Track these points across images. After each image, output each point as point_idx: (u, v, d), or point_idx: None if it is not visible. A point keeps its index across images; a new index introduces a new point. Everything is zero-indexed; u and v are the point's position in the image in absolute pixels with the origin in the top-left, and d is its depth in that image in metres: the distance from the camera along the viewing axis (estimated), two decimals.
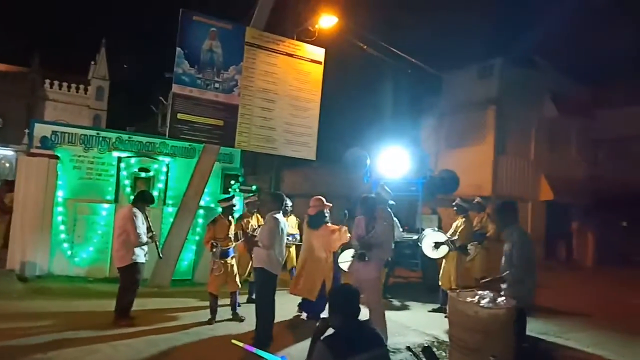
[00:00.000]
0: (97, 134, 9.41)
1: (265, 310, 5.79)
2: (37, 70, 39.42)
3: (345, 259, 6.80)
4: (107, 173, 9.26)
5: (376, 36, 14.14)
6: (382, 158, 10.17)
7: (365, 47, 13.73)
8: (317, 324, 3.25)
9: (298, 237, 8.51)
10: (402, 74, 16.76)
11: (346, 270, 6.94)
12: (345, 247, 7.04)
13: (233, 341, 3.69)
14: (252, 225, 7.76)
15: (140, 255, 6.29)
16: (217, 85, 8.82)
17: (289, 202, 7.87)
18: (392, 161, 9.97)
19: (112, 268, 8.11)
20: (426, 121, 19.65)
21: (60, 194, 8.86)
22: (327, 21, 10.62)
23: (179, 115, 8.56)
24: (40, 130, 9.01)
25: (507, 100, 16.96)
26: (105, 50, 42.92)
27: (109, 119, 41.94)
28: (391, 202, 7.54)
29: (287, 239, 6.82)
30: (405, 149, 10.18)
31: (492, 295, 4.34)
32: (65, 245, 8.87)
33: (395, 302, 8.71)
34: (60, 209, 8.84)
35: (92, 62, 42.99)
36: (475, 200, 9.36)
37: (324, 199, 7.11)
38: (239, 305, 7.67)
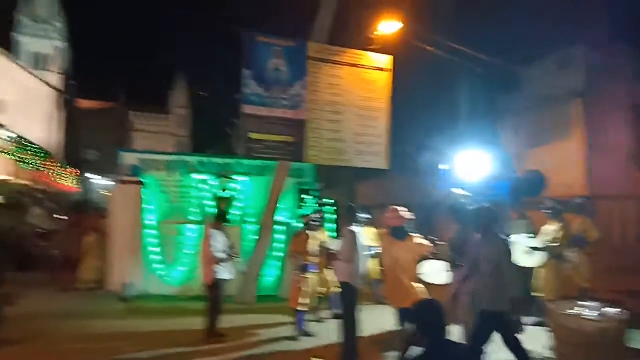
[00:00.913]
0: (179, 158, 9.97)
1: (350, 324, 5.69)
2: (124, 104, 43.05)
3: (426, 271, 6.50)
4: (190, 195, 9.74)
5: (443, 36, 13.70)
6: (458, 162, 9.74)
7: (432, 48, 13.35)
8: (402, 340, 3.09)
9: (379, 250, 8.35)
10: (474, 73, 16.06)
11: (428, 282, 6.64)
12: (424, 257, 6.72)
13: (313, 359, 3.62)
14: (320, 239, 7.72)
15: (223, 272, 6.48)
16: (284, 102, 8.98)
17: (363, 214, 7.74)
18: (469, 164, 9.51)
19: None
20: (504, 120, 18.61)
21: (149, 217, 9.44)
22: (389, 27, 10.46)
23: (251, 135, 8.80)
24: (128, 159, 9.73)
25: (594, 90, 15.54)
26: (182, 79, 45.90)
27: (190, 143, 44.61)
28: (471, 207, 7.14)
29: (367, 251, 6.68)
30: (483, 150, 9.66)
31: (597, 306, 3.89)
32: (158, 265, 9.41)
33: None
34: (151, 231, 9.42)
35: (171, 92, 46.13)
36: (577, 201, 8.52)
37: (402, 209, 6.91)
38: (321, 321, 7.63)
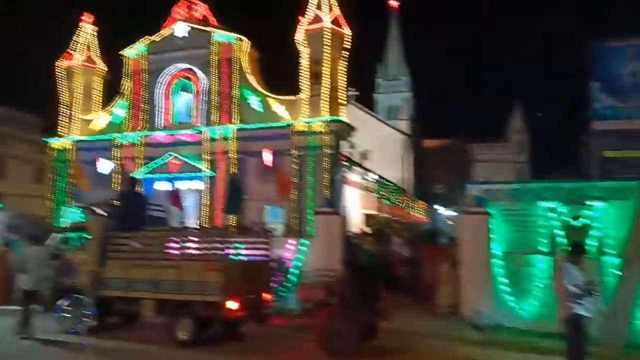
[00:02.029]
0: (522, 186, 9.77)
1: None
2: (464, 138, 45.18)
3: None
4: (537, 224, 9.33)
5: None
6: None
7: None
8: None
9: None
10: None
11: None
12: None
13: None
14: None
15: (581, 308, 5.86)
16: None
17: None
18: None
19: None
20: None
21: (496, 248, 9.55)
22: None
23: (606, 153, 7.82)
24: (472, 190, 10.23)
25: None
26: (519, 103, 44.67)
27: (531, 169, 42.54)
28: None
29: None
30: None
31: None
32: (508, 297, 9.32)
33: None
34: (498, 261, 9.50)
35: (509, 118, 45.44)
36: None
37: None
38: None
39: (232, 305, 7.58)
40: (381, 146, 40.01)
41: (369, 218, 23.35)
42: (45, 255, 8.78)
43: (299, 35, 16.85)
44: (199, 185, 18.03)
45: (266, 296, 8.61)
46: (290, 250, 11.10)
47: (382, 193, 26.80)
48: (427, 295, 11.24)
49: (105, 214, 9.14)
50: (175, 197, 15.63)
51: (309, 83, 16.71)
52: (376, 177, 25.41)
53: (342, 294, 7.37)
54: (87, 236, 8.88)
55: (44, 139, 21.58)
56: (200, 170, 17.86)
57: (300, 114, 16.72)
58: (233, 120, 17.63)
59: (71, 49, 20.63)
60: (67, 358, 7.64)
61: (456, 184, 41.33)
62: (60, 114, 20.75)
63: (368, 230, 19.24)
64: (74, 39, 20.82)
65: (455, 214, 39.83)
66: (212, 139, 17.69)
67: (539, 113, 44.81)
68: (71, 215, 16.30)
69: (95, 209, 9.49)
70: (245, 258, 8.57)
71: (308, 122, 16.39)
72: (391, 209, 27.96)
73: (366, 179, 24.01)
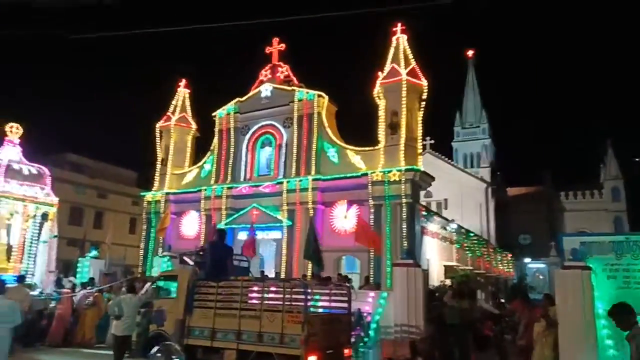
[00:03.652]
0: (627, 239, 8.84)
1: None
2: (551, 186, 42.43)
3: None
4: None
5: None
6: None
7: None
8: None
9: None
10: None
11: None
12: None
13: None
14: None
15: None
16: None
17: None
18: None
19: None
20: None
21: (599, 306, 8.61)
22: None
23: None
24: (569, 243, 9.41)
25: None
26: (613, 148, 41.48)
27: (630, 219, 38.79)
28: None
29: None
30: None
31: None
32: None
33: None
34: (602, 321, 8.53)
35: (601, 165, 42.22)
36: None
37: None
38: None
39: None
40: (460, 195, 38.65)
41: (449, 270, 22.24)
42: (137, 303, 9.26)
43: (377, 88, 17.20)
44: (278, 235, 18.39)
45: (345, 352, 8.34)
46: (369, 304, 10.78)
47: (463, 244, 25.57)
48: (519, 357, 10.27)
49: (193, 263, 9.50)
50: (248, 245, 16.00)
51: (386, 134, 16.81)
52: (456, 226, 24.38)
53: (429, 354, 6.97)
54: (176, 284, 9.27)
55: (141, 194, 23.50)
56: (278, 221, 18.27)
57: (377, 164, 16.73)
58: (311, 171, 18.05)
59: (170, 112, 22.71)
60: None
61: (543, 235, 38.48)
62: (156, 169, 22.61)
63: (449, 283, 18.28)
64: (172, 102, 22.96)
65: (544, 266, 36.83)
66: (291, 190, 18.15)
67: (636, 158, 41.08)
68: (162, 264, 17.19)
69: (185, 258, 9.91)
70: (325, 310, 8.43)
71: (385, 172, 16.32)
72: (473, 261, 26.48)
73: (446, 229, 23.13)
